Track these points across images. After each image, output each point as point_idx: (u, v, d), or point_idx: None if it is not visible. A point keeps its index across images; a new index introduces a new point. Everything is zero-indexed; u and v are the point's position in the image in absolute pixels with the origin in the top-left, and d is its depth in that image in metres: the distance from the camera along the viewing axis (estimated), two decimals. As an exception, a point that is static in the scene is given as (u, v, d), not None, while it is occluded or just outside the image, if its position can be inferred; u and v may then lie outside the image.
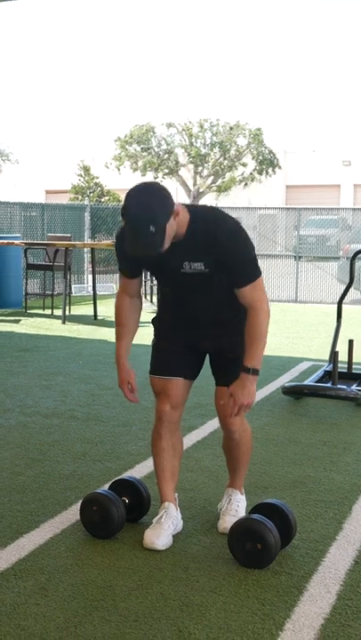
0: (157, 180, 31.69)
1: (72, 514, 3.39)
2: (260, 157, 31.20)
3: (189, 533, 3.21)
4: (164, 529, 3.09)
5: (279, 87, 47.55)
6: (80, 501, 3.27)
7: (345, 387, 5.51)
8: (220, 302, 3.00)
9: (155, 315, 3.23)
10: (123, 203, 2.71)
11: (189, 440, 4.44)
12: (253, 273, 2.88)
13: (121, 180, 30.17)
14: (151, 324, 3.22)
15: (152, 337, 3.22)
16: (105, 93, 49.64)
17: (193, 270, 2.88)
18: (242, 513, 3.24)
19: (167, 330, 3.16)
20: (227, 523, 3.15)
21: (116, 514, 3.10)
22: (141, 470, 4.01)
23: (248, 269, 2.87)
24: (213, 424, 4.73)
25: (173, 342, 3.14)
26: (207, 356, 3.20)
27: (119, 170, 31.73)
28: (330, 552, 3.06)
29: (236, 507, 3.25)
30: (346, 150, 34.84)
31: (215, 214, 2.89)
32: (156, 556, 2.99)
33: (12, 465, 4.10)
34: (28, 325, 9.80)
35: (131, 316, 3.11)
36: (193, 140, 31.50)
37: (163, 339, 3.17)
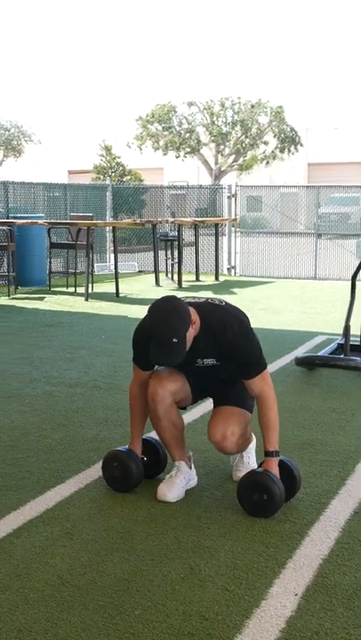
0: (180, 160, 31.81)
1: (95, 471, 3.67)
2: (282, 135, 31.20)
3: (203, 488, 3.48)
4: (175, 483, 3.37)
5: (300, 64, 47.21)
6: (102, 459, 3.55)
7: (356, 357, 5.74)
8: (228, 377, 3.36)
9: None
10: (145, 318, 3.20)
11: (200, 410, 4.66)
12: (261, 366, 3.23)
13: (143, 160, 30.36)
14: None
15: None
16: (126, 73, 49.59)
17: (205, 364, 3.27)
18: (253, 464, 3.53)
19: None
20: (241, 472, 3.45)
21: (136, 470, 3.38)
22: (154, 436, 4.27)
23: (256, 363, 3.22)
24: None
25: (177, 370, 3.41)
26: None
27: (141, 149, 31.86)
28: (332, 504, 3.31)
29: (247, 459, 3.55)
30: (368, 127, 34.65)
31: (223, 314, 3.21)
32: (171, 507, 3.26)
33: (39, 429, 4.39)
34: (52, 302, 10.10)
35: (144, 404, 3.40)
36: (214, 118, 31.54)
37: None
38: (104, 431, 4.35)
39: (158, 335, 3.07)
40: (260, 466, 3.29)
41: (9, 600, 2.52)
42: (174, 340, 3.03)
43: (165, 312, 3.09)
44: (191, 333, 3.11)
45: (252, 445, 3.61)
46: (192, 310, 3.14)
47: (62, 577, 2.67)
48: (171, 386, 3.33)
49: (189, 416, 4.43)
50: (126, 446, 3.49)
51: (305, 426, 4.47)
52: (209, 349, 3.21)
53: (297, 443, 4.15)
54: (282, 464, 3.28)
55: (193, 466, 3.50)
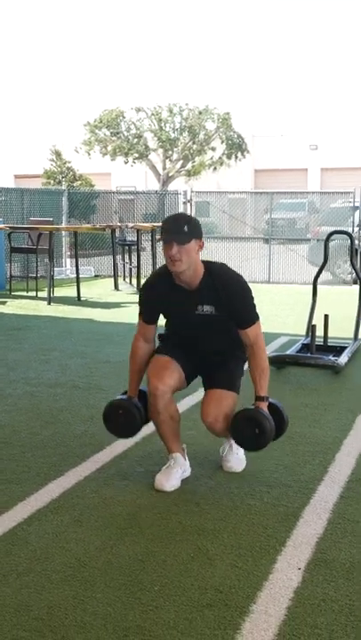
0: (128, 165, 31.99)
1: (92, 464, 3.85)
2: (229, 142, 31.60)
3: (196, 478, 3.68)
4: (172, 473, 3.58)
5: (247, 72, 47.90)
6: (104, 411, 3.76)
7: (323, 356, 6.02)
8: (223, 340, 3.62)
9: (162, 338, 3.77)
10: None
11: (185, 404, 4.89)
12: (256, 316, 3.53)
13: (91, 165, 30.40)
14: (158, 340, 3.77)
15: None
16: (73, 77, 49.52)
17: (205, 312, 3.50)
18: (242, 452, 3.78)
19: (170, 347, 3.67)
20: (231, 463, 3.74)
21: (139, 415, 3.63)
22: (145, 429, 4.43)
23: (252, 314, 3.52)
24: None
25: (175, 346, 3.66)
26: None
27: (89, 154, 31.89)
28: (319, 490, 3.56)
29: (236, 449, 3.79)
30: (313, 134, 35.40)
31: (227, 270, 3.56)
32: (169, 495, 3.46)
33: (29, 427, 4.53)
34: (14, 306, 10.17)
35: (144, 359, 3.66)
36: (162, 124, 31.78)
37: (162, 352, 3.67)
38: (92, 428, 4.52)
39: (174, 221, 3.45)
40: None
41: (34, 581, 2.68)
42: (185, 228, 3.36)
43: (186, 214, 3.62)
44: (195, 254, 3.39)
45: None
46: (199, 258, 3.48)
47: (80, 559, 2.84)
48: (171, 381, 3.54)
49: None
50: (124, 395, 3.73)
51: (282, 420, 4.71)
52: (210, 296, 3.46)
53: (277, 435, 4.38)
54: (270, 405, 3.57)
55: (187, 457, 3.71)
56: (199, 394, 5.14)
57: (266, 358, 3.55)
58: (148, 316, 3.63)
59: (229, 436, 3.76)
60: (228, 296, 3.46)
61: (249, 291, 3.52)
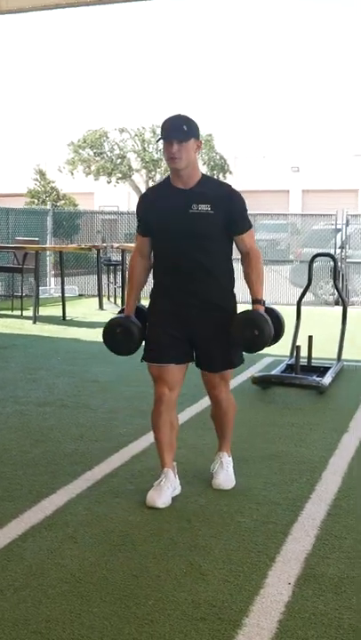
0: (111, 185, 32.17)
1: (83, 481, 3.91)
2: (212, 163, 31.91)
3: (186, 495, 3.75)
4: (163, 490, 3.65)
5: (229, 94, 48.45)
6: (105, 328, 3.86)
7: (307, 376, 6.13)
8: (213, 254, 3.62)
9: (149, 303, 3.81)
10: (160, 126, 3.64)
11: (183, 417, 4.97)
12: (250, 223, 3.73)
13: (74, 184, 30.53)
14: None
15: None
16: (57, 98, 49.80)
17: (200, 210, 3.55)
18: (231, 471, 3.87)
19: (159, 314, 3.72)
20: (220, 480, 3.82)
21: (137, 332, 3.73)
22: (135, 448, 4.54)
23: (246, 220, 3.70)
24: (192, 410, 5.29)
25: (164, 329, 3.67)
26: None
27: (72, 174, 32.03)
28: (306, 507, 3.64)
29: (226, 467, 3.88)
30: (294, 156, 35.79)
31: (225, 182, 3.80)
32: (161, 513, 3.53)
33: (19, 445, 4.59)
34: (0, 325, 10.21)
35: (142, 276, 3.82)
36: (145, 145, 32.03)
37: (154, 324, 3.73)
38: (82, 446, 4.58)
39: (173, 121, 3.56)
40: None
41: (31, 596, 2.74)
42: (184, 127, 3.51)
43: (183, 115, 3.64)
44: (194, 153, 3.54)
45: (230, 459, 3.94)
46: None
47: (75, 575, 2.90)
48: (174, 385, 3.70)
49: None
50: (122, 314, 3.84)
51: (269, 439, 4.80)
52: (207, 195, 3.56)
53: (265, 455, 4.47)
54: (267, 309, 3.72)
55: (177, 475, 3.78)
56: (185, 415, 5.24)
57: (261, 263, 3.72)
58: (143, 227, 3.73)
59: (220, 453, 3.86)
60: (230, 201, 3.59)
61: (243, 199, 3.67)
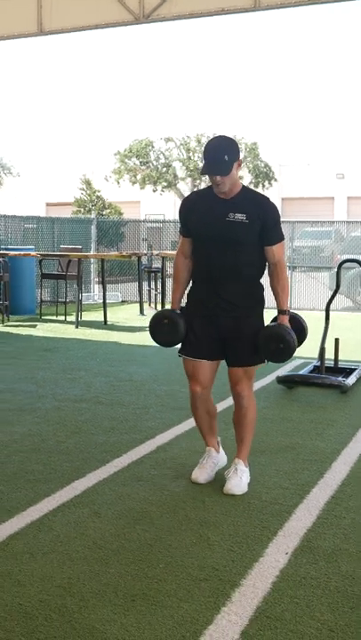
0: (157, 194, 32.69)
1: (111, 467, 4.30)
2: (256, 171, 32.21)
3: (203, 485, 4.10)
4: (205, 468, 4.09)
5: (274, 102, 48.69)
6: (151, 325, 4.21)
7: (331, 376, 6.43)
8: (245, 260, 3.90)
9: (186, 303, 4.17)
10: (204, 147, 3.85)
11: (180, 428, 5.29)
12: (281, 235, 3.99)
13: (120, 193, 31.16)
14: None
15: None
16: (105, 108, 50.74)
17: (236, 219, 3.85)
18: (245, 481, 4.02)
19: (194, 314, 4.05)
20: (231, 484, 3.95)
21: (182, 323, 4.06)
22: (161, 439, 4.91)
23: (281, 233, 3.97)
24: (220, 405, 5.64)
25: (198, 328, 4.02)
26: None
27: (118, 183, 32.66)
28: (313, 491, 3.97)
29: (240, 476, 4.02)
30: (339, 164, 35.85)
31: (262, 194, 4.04)
32: (179, 493, 3.90)
33: (55, 436, 5.00)
34: (44, 329, 10.70)
35: (185, 275, 4.12)
36: (190, 154, 32.49)
37: (190, 324, 4.06)
38: (112, 438, 4.97)
39: (213, 151, 3.79)
40: (273, 320, 4.05)
41: (57, 559, 3.13)
42: (225, 157, 3.75)
43: (225, 138, 3.90)
44: (235, 174, 3.81)
45: (246, 470, 4.09)
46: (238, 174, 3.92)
47: (97, 542, 3.28)
48: (206, 382, 4.04)
49: (178, 429, 5.07)
50: (168, 308, 4.20)
51: (287, 433, 5.13)
52: (244, 205, 3.85)
53: (281, 446, 4.80)
54: (292, 317, 4.06)
55: (221, 448, 4.23)
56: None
57: (287, 276, 4.03)
58: (184, 228, 4.04)
59: (236, 460, 4.09)
60: (265, 212, 3.87)
61: (279, 213, 3.97)
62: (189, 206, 4.05)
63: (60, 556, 3.16)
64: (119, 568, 3.04)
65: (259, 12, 8.57)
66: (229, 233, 3.87)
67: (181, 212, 4.09)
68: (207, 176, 3.84)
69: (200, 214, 3.97)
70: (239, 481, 3.98)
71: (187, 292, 4.18)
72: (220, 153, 3.77)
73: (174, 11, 8.86)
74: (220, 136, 3.97)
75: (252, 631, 2.58)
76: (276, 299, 4.01)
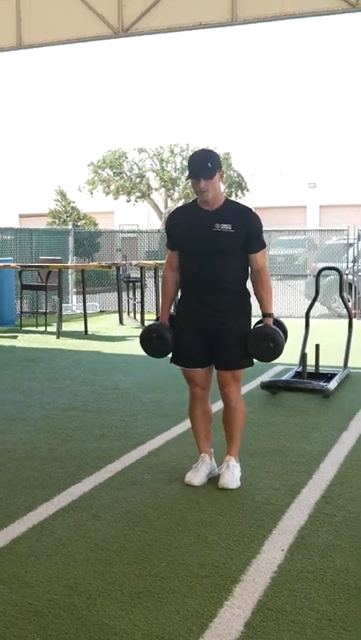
0: (130, 204, 32.82)
1: (105, 473, 4.40)
2: (229, 180, 32.47)
3: (196, 487, 4.21)
4: (199, 471, 4.21)
5: (247, 113, 49.19)
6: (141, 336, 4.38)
7: (313, 381, 6.58)
8: (232, 269, 4.07)
9: (175, 313, 4.36)
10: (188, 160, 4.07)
11: (183, 427, 5.39)
12: (264, 244, 4.19)
13: (94, 203, 31.22)
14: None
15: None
16: (77, 120, 50.86)
17: (222, 229, 4.02)
18: (238, 475, 4.21)
19: (184, 324, 4.21)
20: (225, 479, 4.15)
21: (169, 336, 4.23)
22: (152, 445, 5.02)
23: (263, 241, 4.17)
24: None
25: (189, 338, 4.16)
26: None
27: (92, 194, 32.71)
28: (303, 492, 4.10)
29: (232, 470, 4.21)
30: (311, 173, 36.28)
31: (245, 205, 4.22)
32: (174, 495, 4.01)
33: (47, 443, 5.08)
34: (25, 340, 10.76)
35: (173, 287, 4.28)
36: (164, 164, 32.66)
37: (181, 333, 4.21)
38: (104, 444, 5.06)
39: (198, 159, 4.02)
40: (258, 323, 4.23)
41: (62, 560, 3.22)
42: (209, 164, 3.97)
43: (207, 149, 4.26)
44: (217, 183, 4.02)
45: (238, 465, 4.27)
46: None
47: (98, 544, 3.38)
48: (205, 384, 4.23)
49: (173, 430, 5.17)
50: (157, 322, 4.36)
51: (274, 437, 5.26)
52: (229, 216, 4.04)
53: (269, 449, 4.93)
54: (275, 321, 4.24)
55: (213, 459, 4.32)
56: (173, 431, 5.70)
57: (270, 280, 4.21)
58: (171, 241, 4.21)
59: (227, 457, 4.25)
60: (249, 222, 4.06)
61: (261, 223, 4.14)
62: (176, 220, 4.23)
63: (64, 557, 3.25)
64: (122, 567, 3.14)
65: (236, 26, 8.75)
66: (216, 244, 4.02)
67: (168, 226, 4.25)
68: (191, 186, 4.05)
69: (187, 227, 4.12)
70: (232, 475, 4.18)
71: (176, 302, 4.33)
72: (204, 161, 4.01)
73: (152, 25, 9.03)
74: (202, 149, 4.21)
75: (255, 623, 2.70)
76: (260, 303, 4.18)
